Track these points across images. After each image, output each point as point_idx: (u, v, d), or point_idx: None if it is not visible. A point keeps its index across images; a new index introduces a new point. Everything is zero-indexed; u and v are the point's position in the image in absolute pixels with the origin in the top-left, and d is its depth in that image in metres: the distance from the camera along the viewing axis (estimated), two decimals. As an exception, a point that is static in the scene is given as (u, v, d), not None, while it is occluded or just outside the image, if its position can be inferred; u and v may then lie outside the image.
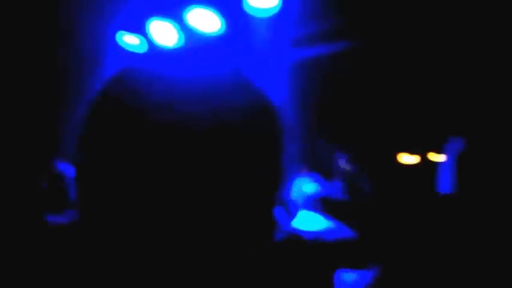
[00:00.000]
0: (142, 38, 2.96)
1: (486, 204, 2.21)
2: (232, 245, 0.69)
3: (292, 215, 2.62)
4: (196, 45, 2.87)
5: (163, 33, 2.84)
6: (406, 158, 4.25)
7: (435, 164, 3.06)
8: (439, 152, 3.08)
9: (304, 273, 2.29)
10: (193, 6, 2.78)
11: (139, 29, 2.90)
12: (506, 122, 2.73)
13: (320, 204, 2.45)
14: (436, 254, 2.29)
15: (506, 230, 2.07)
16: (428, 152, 4.01)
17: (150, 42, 2.91)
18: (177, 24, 2.89)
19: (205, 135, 0.67)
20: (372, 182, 2.87)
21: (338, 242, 2.40)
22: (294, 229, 2.48)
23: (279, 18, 2.77)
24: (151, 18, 2.92)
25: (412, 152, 4.20)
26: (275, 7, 2.66)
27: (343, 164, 2.97)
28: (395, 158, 4.15)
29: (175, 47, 2.87)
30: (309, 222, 2.47)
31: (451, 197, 2.34)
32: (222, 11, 2.82)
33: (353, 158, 3.05)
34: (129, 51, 3.01)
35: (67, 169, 2.59)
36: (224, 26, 2.76)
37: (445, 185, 2.48)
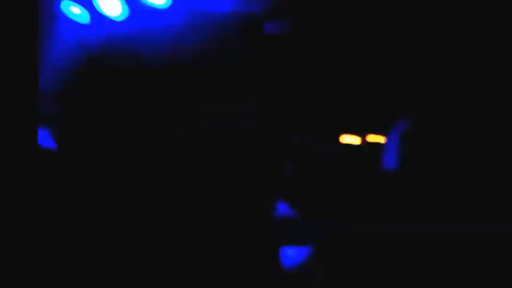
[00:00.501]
0: (83, 8, 2.89)
1: (430, 182, 2.27)
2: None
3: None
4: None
5: (108, 3, 2.78)
6: (348, 139, 4.32)
7: (378, 145, 3.11)
8: (382, 132, 3.14)
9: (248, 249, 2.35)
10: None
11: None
12: (451, 100, 2.82)
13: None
14: (378, 230, 2.34)
15: (448, 206, 2.14)
16: (371, 133, 4.09)
17: (94, 12, 2.84)
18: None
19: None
20: (316, 159, 2.90)
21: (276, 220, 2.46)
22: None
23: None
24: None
25: (353, 133, 4.27)
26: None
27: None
28: (338, 138, 4.21)
29: (121, 17, 2.79)
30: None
31: (394, 174, 2.39)
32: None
33: (297, 136, 3.07)
34: (73, 20, 2.93)
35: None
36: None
37: (389, 163, 2.53)
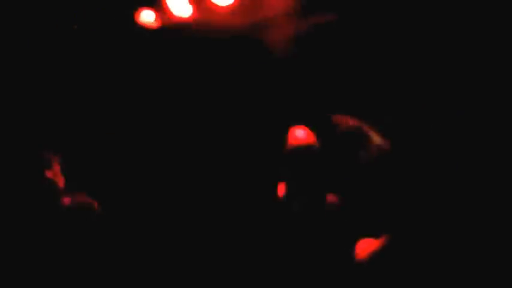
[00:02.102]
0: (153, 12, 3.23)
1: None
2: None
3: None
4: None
5: (177, 5, 3.13)
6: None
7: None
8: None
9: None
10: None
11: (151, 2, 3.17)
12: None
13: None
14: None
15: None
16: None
17: (163, 15, 3.18)
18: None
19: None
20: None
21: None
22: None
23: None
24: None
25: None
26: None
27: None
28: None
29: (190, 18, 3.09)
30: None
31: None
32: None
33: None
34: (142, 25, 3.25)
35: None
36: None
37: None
